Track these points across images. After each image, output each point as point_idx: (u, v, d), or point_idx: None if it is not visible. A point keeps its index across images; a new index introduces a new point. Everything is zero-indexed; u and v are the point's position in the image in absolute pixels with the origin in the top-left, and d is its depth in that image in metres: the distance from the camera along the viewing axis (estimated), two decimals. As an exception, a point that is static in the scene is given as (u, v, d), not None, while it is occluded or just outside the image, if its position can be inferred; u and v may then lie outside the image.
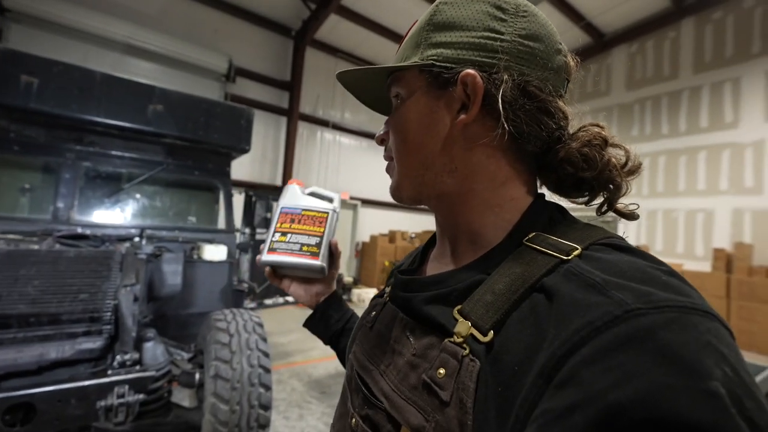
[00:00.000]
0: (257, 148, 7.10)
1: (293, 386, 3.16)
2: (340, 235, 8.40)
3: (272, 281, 0.68)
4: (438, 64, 0.39)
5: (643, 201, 6.77)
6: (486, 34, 0.38)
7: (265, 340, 1.94)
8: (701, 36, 6.30)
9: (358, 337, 0.51)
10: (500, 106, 0.36)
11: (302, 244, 0.65)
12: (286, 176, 7.29)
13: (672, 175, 6.48)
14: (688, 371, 0.22)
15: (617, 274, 0.29)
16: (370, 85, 0.49)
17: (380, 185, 8.78)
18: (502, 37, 0.38)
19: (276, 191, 7.24)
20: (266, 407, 1.76)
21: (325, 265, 0.64)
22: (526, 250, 0.36)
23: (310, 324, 0.70)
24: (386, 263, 7.64)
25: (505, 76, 0.37)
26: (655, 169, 6.69)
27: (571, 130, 0.41)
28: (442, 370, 0.33)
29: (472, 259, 0.40)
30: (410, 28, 0.44)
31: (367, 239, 8.56)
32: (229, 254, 2.55)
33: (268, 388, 1.79)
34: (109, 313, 1.55)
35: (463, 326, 0.34)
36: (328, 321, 0.68)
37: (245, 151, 2.77)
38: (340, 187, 8.25)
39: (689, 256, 6.13)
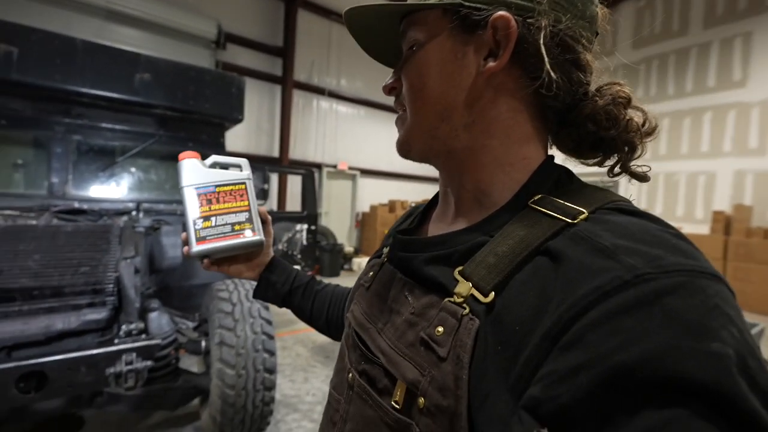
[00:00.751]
0: (252, 119, 6.94)
1: (298, 352, 3.28)
2: (341, 206, 8.42)
3: (210, 269, 0.64)
4: (467, 4, 0.35)
5: (645, 164, 6.70)
6: None
7: (267, 308, 1.99)
8: (714, -13, 5.97)
9: (355, 298, 0.51)
10: (543, 51, 0.33)
11: (233, 224, 0.60)
12: (284, 147, 7.18)
13: (675, 137, 6.37)
14: (695, 333, 0.22)
15: (626, 237, 0.28)
16: (378, 29, 0.44)
17: (379, 155, 8.66)
18: None
19: (274, 162, 7.16)
20: (271, 371, 1.82)
21: (263, 238, 0.62)
22: (531, 212, 0.35)
23: (258, 294, 0.70)
24: (386, 232, 7.69)
25: (544, 22, 0.34)
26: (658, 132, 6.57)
27: (593, 88, 0.38)
28: (440, 328, 0.33)
29: (476, 220, 0.39)
30: None
31: (367, 209, 8.57)
32: (228, 226, 2.56)
33: (272, 353, 1.85)
34: (111, 285, 1.57)
35: (463, 287, 0.34)
36: (275, 287, 0.69)
37: (238, 120, 2.71)
38: (338, 157, 8.15)
39: (689, 219, 6.15)
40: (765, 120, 5.45)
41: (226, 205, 0.61)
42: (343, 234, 8.47)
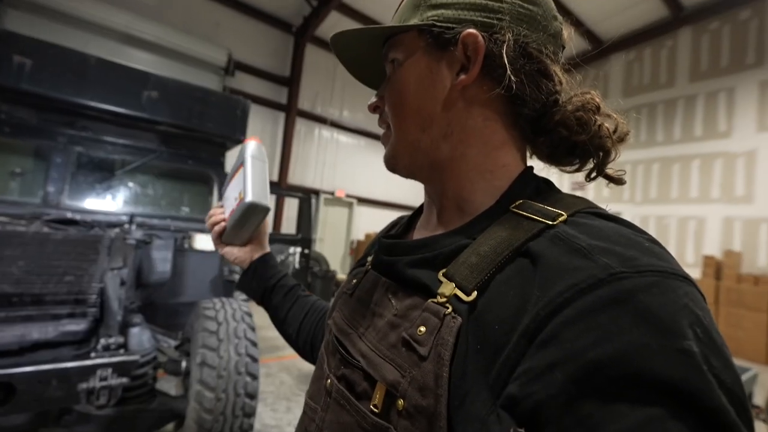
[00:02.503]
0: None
1: (282, 379, 3.15)
2: (337, 233, 8.40)
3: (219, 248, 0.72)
4: (439, 24, 0.38)
5: (637, 207, 6.83)
6: None
7: (253, 329, 1.93)
8: (698, 45, 6.37)
9: (338, 305, 0.50)
10: (505, 60, 0.36)
11: (234, 197, 0.68)
12: (283, 172, 7.26)
13: (665, 182, 6.54)
14: (665, 331, 0.23)
15: (602, 238, 0.29)
16: (363, 55, 0.47)
17: (377, 184, 8.78)
18: None
19: (272, 186, 7.20)
20: (252, 396, 1.74)
21: (255, 201, 0.65)
22: (512, 216, 0.36)
23: (243, 282, 0.72)
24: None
25: (508, 35, 0.37)
26: (648, 176, 6.75)
27: (563, 98, 0.41)
28: (422, 328, 0.33)
29: (459, 224, 0.40)
30: None
31: (362, 237, 8.55)
32: (221, 244, 2.54)
33: (254, 377, 1.78)
34: (94, 296, 1.53)
35: (447, 287, 0.34)
36: (261, 278, 0.70)
37: (240, 141, 2.76)
38: (336, 185, 8.24)
39: (680, 263, 6.17)
40: (750, 169, 5.64)
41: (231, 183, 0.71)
42: (337, 261, 8.39)
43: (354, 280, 0.50)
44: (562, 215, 0.33)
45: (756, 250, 5.44)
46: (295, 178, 7.62)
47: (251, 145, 0.72)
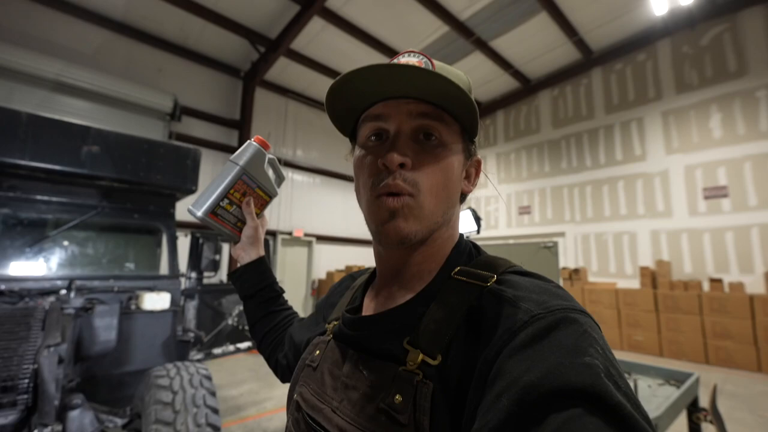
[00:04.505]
0: (205, 188, 6.81)
1: (246, 444, 2.88)
2: (297, 273, 8.14)
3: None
4: (470, 131, 0.49)
5: (578, 226, 7.41)
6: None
7: (213, 394, 1.79)
8: (608, 83, 7.33)
9: (301, 378, 0.51)
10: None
11: (239, 220, 0.71)
12: (236, 215, 7.01)
13: (598, 202, 7.22)
14: (573, 352, 0.31)
15: (522, 289, 0.38)
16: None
17: (335, 221, 8.75)
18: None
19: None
20: (215, 471, 1.59)
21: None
22: (455, 282, 0.43)
23: (232, 278, 0.79)
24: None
25: (478, 154, 0.53)
26: (584, 198, 7.41)
27: None
28: (399, 397, 0.37)
29: (414, 293, 0.46)
30: (431, 62, 0.46)
31: (323, 276, 8.35)
32: (173, 302, 2.36)
33: (217, 449, 1.63)
34: (26, 380, 1.35)
35: (414, 354, 0.39)
36: (245, 284, 0.76)
37: (191, 191, 2.66)
38: (294, 225, 8.10)
39: (620, 275, 6.72)
40: (665, 187, 6.42)
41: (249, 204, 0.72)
42: (299, 302, 8.08)
43: (317, 351, 0.51)
44: (493, 277, 0.42)
45: (681, 259, 6.08)
46: (249, 220, 7.38)
47: (253, 151, 0.72)
